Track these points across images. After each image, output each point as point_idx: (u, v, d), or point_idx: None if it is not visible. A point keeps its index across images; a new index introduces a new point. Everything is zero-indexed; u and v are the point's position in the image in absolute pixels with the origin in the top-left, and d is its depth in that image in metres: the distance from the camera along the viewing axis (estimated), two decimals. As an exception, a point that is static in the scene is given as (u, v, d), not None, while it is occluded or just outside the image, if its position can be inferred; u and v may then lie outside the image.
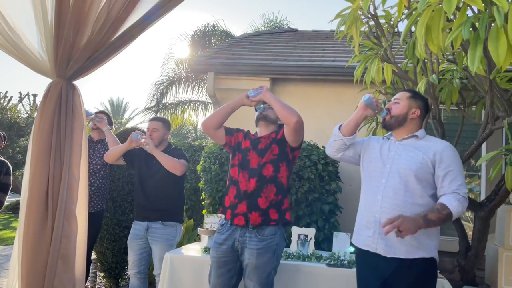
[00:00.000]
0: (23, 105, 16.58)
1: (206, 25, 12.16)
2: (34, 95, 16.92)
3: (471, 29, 1.92)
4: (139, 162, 3.33)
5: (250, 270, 2.42)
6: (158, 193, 3.23)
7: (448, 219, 2.06)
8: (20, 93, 16.88)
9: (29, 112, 15.87)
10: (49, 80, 1.71)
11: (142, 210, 3.27)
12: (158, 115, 11.96)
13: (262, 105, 2.61)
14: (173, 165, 3.14)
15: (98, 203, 3.64)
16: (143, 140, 3.21)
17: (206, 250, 3.10)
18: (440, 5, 2.01)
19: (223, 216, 2.62)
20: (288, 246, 3.55)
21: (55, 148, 1.58)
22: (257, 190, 2.43)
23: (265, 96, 2.50)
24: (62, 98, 1.60)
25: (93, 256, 5.28)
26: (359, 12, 2.94)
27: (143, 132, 3.38)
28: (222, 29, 12.24)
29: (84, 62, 1.62)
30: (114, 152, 3.35)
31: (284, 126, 2.49)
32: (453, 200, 2.05)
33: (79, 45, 1.61)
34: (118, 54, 1.66)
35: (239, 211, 2.44)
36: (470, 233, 3.27)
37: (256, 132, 2.69)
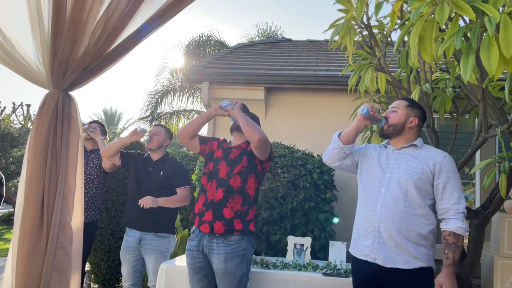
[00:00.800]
0: (16, 115, 16.47)
1: (201, 35, 12.24)
2: (28, 106, 16.82)
3: (463, 39, 1.95)
4: (137, 166, 3.30)
5: (221, 276, 2.47)
6: None
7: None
8: (13, 103, 16.78)
9: (22, 122, 15.77)
10: (44, 91, 1.71)
11: (135, 216, 3.20)
12: (153, 125, 11.95)
13: None
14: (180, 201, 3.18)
15: (92, 214, 3.61)
16: (146, 136, 3.28)
17: (202, 260, 3.08)
18: (433, 16, 2.04)
19: None
20: (284, 255, 3.55)
21: (51, 159, 1.57)
22: (223, 200, 2.51)
23: (233, 112, 2.60)
24: (59, 109, 1.60)
25: (87, 267, 5.22)
26: (353, 22, 2.97)
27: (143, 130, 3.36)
28: (216, 39, 12.32)
29: (80, 73, 1.62)
30: (112, 145, 3.29)
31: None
32: (459, 223, 2.09)
33: (75, 56, 1.61)
34: (114, 65, 1.66)
35: (205, 219, 2.52)
36: (465, 241, 3.27)
37: (230, 140, 2.77)
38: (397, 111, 2.28)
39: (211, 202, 2.53)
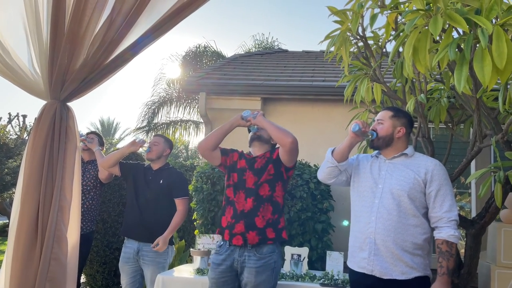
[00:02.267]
0: (12, 126, 16.40)
1: (198, 46, 12.32)
2: (24, 116, 16.77)
3: (456, 50, 1.98)
4: (136, 176, 3.29)
5: None
6: (151, 209, 3.18)
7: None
8: (9, 114, 16.72)
9: (18, 133, 15.71)
10: (41, 102, 1.72)
11: (133, 225, 3.19)
12: (149, 135, 11.96)
13: (256, 126, 2.65)
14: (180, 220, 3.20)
15: (87, 225, 3.59)
16: (145, 146, 3.29)
17: (199, 271, 3.06)
18: (426, 27, 2.07)
19: (216, 236, 2.62)
20: (281, 266, 3.53)
21: (47, 170, 1.57)
22: (254, 209, 2.46)
23: (258, 121, 2.57)
24: (56, 120, 1.60)
25: (83, 279, 5.17)
26: (348, 33, 3.01)
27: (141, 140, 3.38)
28: (213, 49, 12.39)
29: (79, 84, 1.63)
30: (111, 156, 3.30)
31: (280, 147, 2.53)
32: (452, 231, 2.09)
33: (74, 68, 1.62)
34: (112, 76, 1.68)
35: (236, 231, 2.46)
36: (462, 251, 3.27)
37: (250, 152, 2.72)
38: (383, 123, 2.30)
39: (242, 213, 2.48)
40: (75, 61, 1.61)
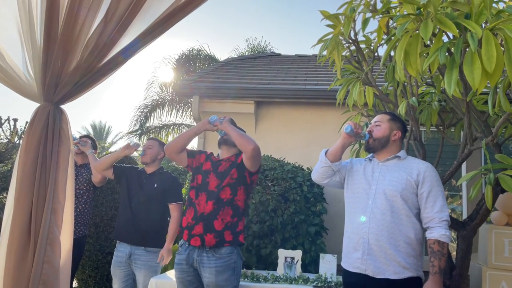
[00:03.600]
0: (3, 130, 16.22)
1: (191, 49, 12.30)
2: (15, 120, 16.60)
3: (447, 54, 2.01)
4: (130, 179, 3.29)
5: None
6: (144, 212, 3.17)
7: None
8: (0, 117, 16.55)
9: (9, 137, 15.53)
10: (32, 105, 1.71)
11: (126, 228, 3.18)
12: (142, 138, 11.91)
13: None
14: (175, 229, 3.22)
15: (80, 229, 3.56)
16: (139, 150, 3.30)
17: (192, 274, 3.06)
18: (417, 31, 2.10)
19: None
20: (275, 269, 3.54)
21: (40, 172, 1.56)
22: (213, 212, 2.52)
23: (223, 126, 2.64)
24: (50, 122, 1.60)
25: (75, 284, 5.13)
26: (341, 37, 3.04)
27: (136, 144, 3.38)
28: (206, 53, 12.38)
29: (72, 87, 1.63)
30: (105, 159, 3.30)
31: (242, 153, 2.59)
32: (443, 231, 2.12)
33: (67, 71, 1.62)
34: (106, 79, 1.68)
35: (195, 232, 2.51)
36: (454, 254, 3.31)
37: (218, 154, 2.79)
38: (380, 125, 2.35)
39: (201, 215, 2.53)
40: (68, 64, 1.61)
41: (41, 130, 1.58)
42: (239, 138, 2.54)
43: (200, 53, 12.26)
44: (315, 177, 2.45)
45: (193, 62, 12.14)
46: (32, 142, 1.57)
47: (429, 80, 3.32)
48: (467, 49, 1.94)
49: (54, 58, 1.58)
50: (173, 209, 3.20)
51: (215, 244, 2.48)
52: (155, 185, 3.22)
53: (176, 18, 1.66)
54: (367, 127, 2.47)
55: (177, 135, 12.29)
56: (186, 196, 4.29)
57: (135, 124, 12.08)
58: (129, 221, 3.15)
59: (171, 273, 3.21)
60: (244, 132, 2.82)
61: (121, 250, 3.18)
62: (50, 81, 1.60)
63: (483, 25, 2.15)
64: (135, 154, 3.42)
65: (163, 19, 1.66)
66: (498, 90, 2.25)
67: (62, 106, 1.69)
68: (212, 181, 2.59)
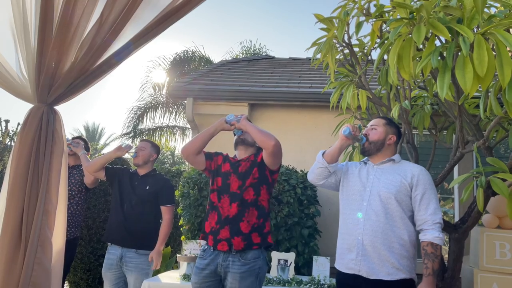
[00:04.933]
0: (-6, 131, 16.07)
1: (185, 51, 12.29)
2: (6, 121, 16.46)
3: (439, 58, 2.03)
4: (122, 180, 3.27)
5: None
6: (136, 214, 3.15)
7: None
8: (-9, 118, 16.39)
9: (0, 138, 15.39)
10: (25, 106, 1.70)
11: (117, 230, 3.15)
12: (135, 141, 11.86)
13: (240, 129, 2.64)
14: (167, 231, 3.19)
15: (72, 230, 3.54)
16: (131, 152, 3.29)
17: (185, 277, 3.05)
18: (410, 35, 2.12)
19: (202, 242, 2.58)
20: (268, 271, 3.54)
21: (33, 172, 1.55)
22: (239, 214, 2.42)
23: (242, 124, 2.54)
24: (43, 123, 1.59)
25: (66, 286, 5.09)
26: (334, 40, 3.06)
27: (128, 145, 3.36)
28: (201, 55, 12.37)
29: (65, 88, 1.62)
30: (97, 161, 3.27)
31: (263, 150, 2.52)
32: (436, 233, 2.14)
33: (61, 72, 1.61)
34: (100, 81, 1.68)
35: (221, 236, 2.42)
36: (446, 256, 3.33)
37: (235, 155, 2.71)
38: (376, 128, 2.38)
39: (226, 218, 2.44)
40: (62, 66, 1.60)
41: (35, 130, 1.57)
42: (259, 135, 2.45)
43: (195, 54, 12.26)
44: (311, 177, 2.46)
45: (188, 64, 12.13)
46: (25, 142, 1.56)
47: (422, 83, 3.34)
48: (459, 53, 1.96)
49: (48, 60, 1.57)
50: (165, 211, 3.17)
51: (244, 248, 2.40)
52: (147, 187, 3.20)
53: (169, 21, 1.66)
54: (360, 129, 2.48)
55: (170, 137, 12.28)
56: (180, 199, 4.29)
57: (128, 126, 12.03)
58: (121, 223, 3.13)
59: (164, 276, 3.20)
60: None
61: (112, 253, 3.15)
62: (44, 82, 1.59)
63: (475, 30, 2.18)
64: (128, 156, 3.40)
65: (157, 22, 1.66)
66: (489, 94, 2.27)
67: (56, 107, 1.68)
68: (233, 182, 2.50)
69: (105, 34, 1.63)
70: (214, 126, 2.63)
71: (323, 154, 2.40)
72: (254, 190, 2.48)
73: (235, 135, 2.67)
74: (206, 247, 2.53)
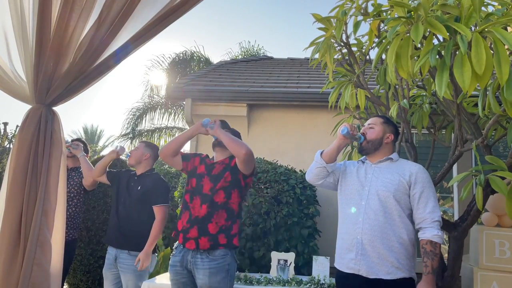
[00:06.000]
0: (-7, 134, 16.05)
1: (184, 52, 12.28)
2: (5, 124, 16.45)
3: (437, 56, 2.03)
4: (121, 183, 3.28)
5: None
6: (129, 216, 3.14)
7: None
8: (-10, 121, 16.36)
9: (-1, 141, 15.37)
10: (23, 109, 1.70)
11: (112, 232, 3.17)
12: (134, 142, 11.85)
13: None
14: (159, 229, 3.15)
15: (70, 232, 3.53)
16: (125, 153, 3.32)
17: (185, 278, 3.04)
18: (408, 34, 2.13)
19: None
20: (268, 271, 3.53)
21: (32, 173, 1.55)
22: (208, 215, 2.52)
23: (214, 132, 2.64)
24: (42, 124, 1.59)
25: (66, 288, 5.08)
26: (332, 40, 3.06)
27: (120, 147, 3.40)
28: (200, 55, 12.37)
29: (64, 89, 1.62)
30: (96, 167, 3.37)
31: (236, 158, 2.59)
32: (435, 232, 2.15)
33: (59, 73, 1.61)
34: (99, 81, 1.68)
35: (190, 235, 2.52)
36: (446, 256, 3.33)
37: (213, 156, 2.79)
38: (374, 127, 2.39)
39: (196, 219, 2.53)
40: (60, 67, 1.60)
41: (33, 131, 1.57)
42: (230, 143, 2.54)
43: (194, 55, 12.25)
44: (309, 177, 2.46)
45: (188, 64, 12.12)
46: (24, 143, 1.56)
47: (420, 83, 3.35)
48: (457, 52, 1.97)
49: (46, 61, 1.57)
50: (156, 211, 3.13)
51: (209, 247, 2.48)
52: (139, 188, 3.20)
53: (168, 20, 1.66)
54: (359, 129, 2.49)
55: (170, 138, 12.27)
56: (179, 199, 4.28)
57: (127, 128, 12.03)
58: (115, 225, 3.15)
59: (164, 276, 3.19)
60: (239, 133, 2.80)
61: (110, 253, 3.18)
62: (42, 83, 1.59)
63: (473, 28, 2.18)
64: (123, 157, 3.42)
65: (155, 22, 1.66)
66: (488, 92, 2.27)
67: (55, 108, 1.68)
68: (206, 184, 2.59)
69: (103, 34, 1.63)
70: (191, 130, 2.76)
71: (321, 153, 2.41)
72: (224, 193, 2.56)
73: (214, 137, 2.75)
74: (177, 244, 2.63)
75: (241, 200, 2.66)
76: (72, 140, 3.81)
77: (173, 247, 2.64)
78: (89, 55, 1.61)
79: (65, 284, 4.79)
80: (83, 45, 1.61)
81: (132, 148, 3.44)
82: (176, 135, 12.90)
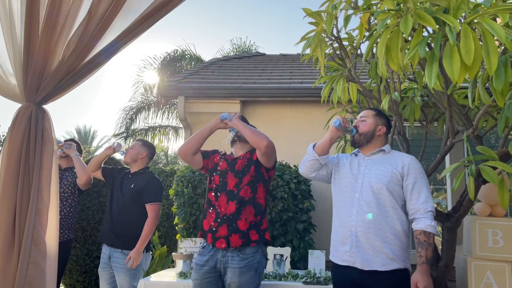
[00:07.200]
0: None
1: (175, 50, 12.25)
2: (-4, 126, 16.31)
3: (427, 48, 2.05)
4: (116, 180, 3.28)
5: None
6: (121, 214, 3.13)
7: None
8: (-19, 123, 16.22)
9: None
10: (13, 109, 1.69)
11: (105, 230, 3.17)
12: (128, 141, 11.81)
13: None
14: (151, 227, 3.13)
15: (65, 232, 3.52)
16: (121, 150, 3.31)
17: (182, 275, 3.05)
18: (398, 27, 2.14)
19: (199, 240, 2.59)
20: (264, 266, 3.55)
21: (24, 172, 1.55)
22: (236, 212, 2.44)
23: (234, 124, 2.56)
24: (32, 123, 1.58)
25: (62, 289, 5.06)
26: (323, 34, 3.07)
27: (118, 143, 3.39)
28: (192, 53, 12.34)
29: (53, 87, 1.61)
30: (91, 161, 3.36)
31: (256, 150, 2.53)
32: (429, 222, 2.16)
33: (49, 71, 1.61)
34: (89, 78, 1.67)
35: (219, 234, 2.44)
36: (440, 248, 3.36)
37: (232, 152, 2.72)
38: (366, 120, 2.40)
39: (224, 216, 2.46)
40: (50, 65, 1.59)
41: (24, 130, 1.56)
42: (251, 135, 2.46)
43: (185, 53, 12.22)
44: (302, 170, 2.47)
45: (179, 63, 12.09)
46: (14, 142, 1.55)
47: (412, 76, 3.37)
48: (446, 43, 1.98)
49: (35, 59, 1.57)
50: (149, 209, 3.11)
51: (241, 245, 2.42)
52: (132, 186, 3.18)
53: (157, 15, 1.65)
54: (352, 123, 2.50)
55: (163, 137, 12.24)
56: (174, 197, 4.28)
57: (120, 127, 11.98)
58: (109, 224, 3.15)
59: (160, 274, 3.20)
60: (255, 128, 2.73)
61: (104, 252, 3.19)
62: (31, 81, 1.58)
63: (462, 20, 2.20)
64: (119, 154, 3.40)
65: (145, 17, 1.65)
66: (477, 83, 2.29)
67: (45, 106, 1.68)
68: (230, 180, 2.52)
69: (92, 31, 1.62)
70: (210, 126, 2.66)
71: (313, 146, 2.41)
72: (251, 188, 2.49)
73: (230, 132, 2.68)
74: (205, 244, 2.55)
75: (267, 194, 2.60)
76: (65, 141, 3.80)
77: (201, 246, 2.56)
78: (78, 52, 1.60)
79: (61, 284, 4.78)
80: (72, 42, 1.61)
81: (127, 147, 3.42)
82: (170, 133, 12.73)
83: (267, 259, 2.56)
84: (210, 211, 2.53)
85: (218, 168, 2.61)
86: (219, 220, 2.46)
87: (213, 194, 2.55)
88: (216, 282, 2.48)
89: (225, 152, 2.76)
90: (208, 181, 2.65)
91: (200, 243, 2.61)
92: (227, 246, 2.42)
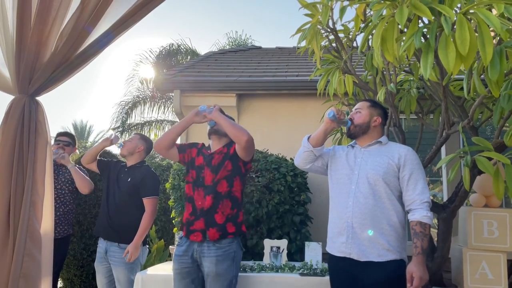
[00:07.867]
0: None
1: (171, 44, 12.18)
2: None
3: (422, 38, 2.04)
4: (112, 174, 3.27)
5: (212, 279, 2.46)
6: (118, 208, 3.13)
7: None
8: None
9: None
10: (4, 98, 1.68)
11: (102, 224, 3.16)
12: (124, 136, 11.77)
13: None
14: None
15: (64, 228, 3.51)
16: (118, 143, 3.30)
17: (178, 267, 3.05)
18: (393, 17, 2.13)
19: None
20: (261, 259, 3.56)
21: (17, 164, 1.54)
22: (213, 206, 2.49)
23: (213, 116, 2.56)
24: (25, 114, 1.57)
25: (60, 283, 5.07)
26: (319, 26, 3.05)
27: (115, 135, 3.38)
28: (187, 47, 12.28)
29: (47, 78, 1.60)
30: (88, 152, 3.36)
31: (236, 144, 2.55)
32: (425, 212, 2.16)
33: (41, 62, 1.59)
34: (82, 70, 1.66)
35: (195, 227, 2.50)
36: (436, 239, 3.38)
37: (209, 145, 2.75)
38: (361, 111, 2.40)
39: (201, 210, 2.50)
40: (42, 56, 1.58)
41: (17, 122, 1.55)
42: (231, 129, 2.48)
43: (181, 47, 12.16)
44: (297, 161, 2.48)
45: (175, 57, 12.03)
46: (8, 134, 1.54)
47: (407, 67, 3.37)
48: (442, 33, 1.98)
49: (28, 50, 1.55)
50: (146, 203, 3.12)
51: (219, 237, 2.46)
52: (129, 179, 3.17)
53: (152, 4, 1.64)
54: (348, 115, 2.50)
55: (159, 131, 12.21)
56: (171, 191, 4.28)
57: (116, 121, 11.94)
58: (105, 217, 3.14)
59: (157, 268, 3.20)
60: (234, 120, 2.74)
61: (100, 246, 3.17)
62: (24, 73, 1.57)
63: (457, 10, 2.19)
64: (116, 146, 3.39)
65: (139, 5, 1.63)
66: (473, 74, 2.29)
67: (38, 98, 1.66)
68: (207, 175, 2.55)
69: (85, 20, 1.61)
70: (185, 120, 2.68)
71: (308, 138, 2.42)
72: (227, 182, 2.54)
73: (209, 126, 2.68)
74: (181, 235, 2.61)
75: (243, 187, 2.64)
76: (60, 134, 3.76)
77: (179, 237, 2.61)
78: (71, 43, 1.59)
79: (59, 279, 4.77)
80: (65, 33, 1.59)
81: (125, 140, 3.42)
82: (166, 128, 12.75)
83: (243, 250, 2.60)
84: (188, 204, 2.59)
85: (195, 163, 2.65)
86: (197, 213, 2.51)
87: (190, 187, 2.60)
88: (195, 272, 2.53)
89: (203, 145, 2.77)
90: (186, 174, 2.70)
91: (178, 233, 2.65)
92: (202, 239, 2.47)
